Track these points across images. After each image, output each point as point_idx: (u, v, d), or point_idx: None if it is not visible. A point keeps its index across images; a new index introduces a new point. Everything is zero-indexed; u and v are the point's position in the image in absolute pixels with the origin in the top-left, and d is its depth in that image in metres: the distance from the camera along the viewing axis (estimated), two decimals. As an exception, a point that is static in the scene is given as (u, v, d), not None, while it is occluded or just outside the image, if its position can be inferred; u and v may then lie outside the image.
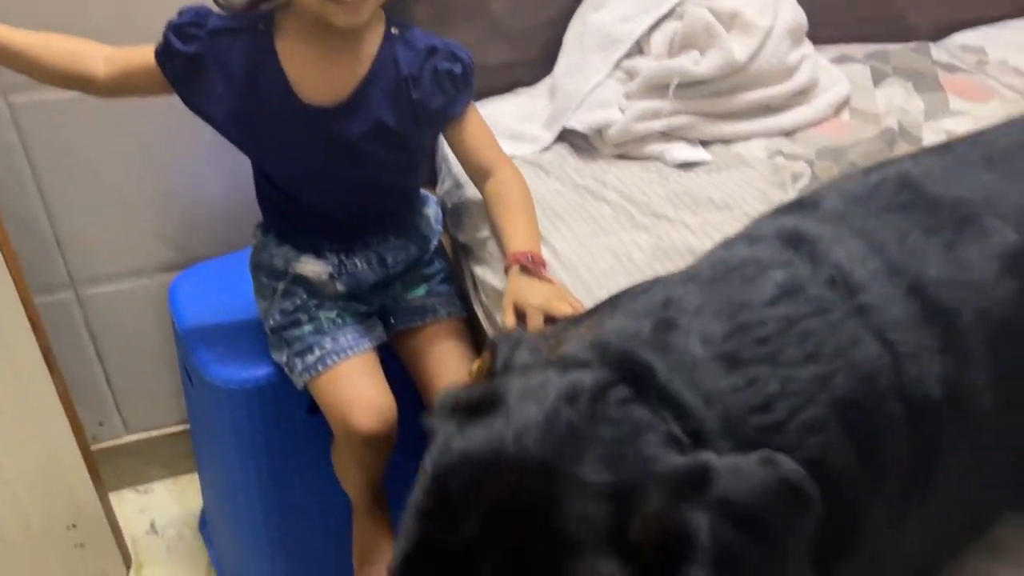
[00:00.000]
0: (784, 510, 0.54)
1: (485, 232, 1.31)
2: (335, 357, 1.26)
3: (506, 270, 1.18)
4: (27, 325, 1.42)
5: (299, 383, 1.28)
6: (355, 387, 1.25)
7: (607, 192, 1.37)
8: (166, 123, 1.53)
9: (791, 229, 0.75)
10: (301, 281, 1.29)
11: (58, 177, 1.54)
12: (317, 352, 1.26)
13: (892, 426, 0.66)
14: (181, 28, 1.18)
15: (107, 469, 1.72)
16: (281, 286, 1.30)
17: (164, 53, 1.19)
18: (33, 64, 1.17)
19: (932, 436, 0.68)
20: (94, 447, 1.72)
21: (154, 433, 1.84)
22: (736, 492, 0.53)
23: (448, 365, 1.31)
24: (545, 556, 0.54)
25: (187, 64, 1.19)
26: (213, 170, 1.59)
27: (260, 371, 1.35)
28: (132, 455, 1.84)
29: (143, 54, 1.20)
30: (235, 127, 1.22)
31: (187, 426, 1.78)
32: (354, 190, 1.25)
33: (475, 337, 1.35)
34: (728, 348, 0.65)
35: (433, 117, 1.24)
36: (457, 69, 1.22)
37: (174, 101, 1.51)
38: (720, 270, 0.73)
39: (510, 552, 0.55)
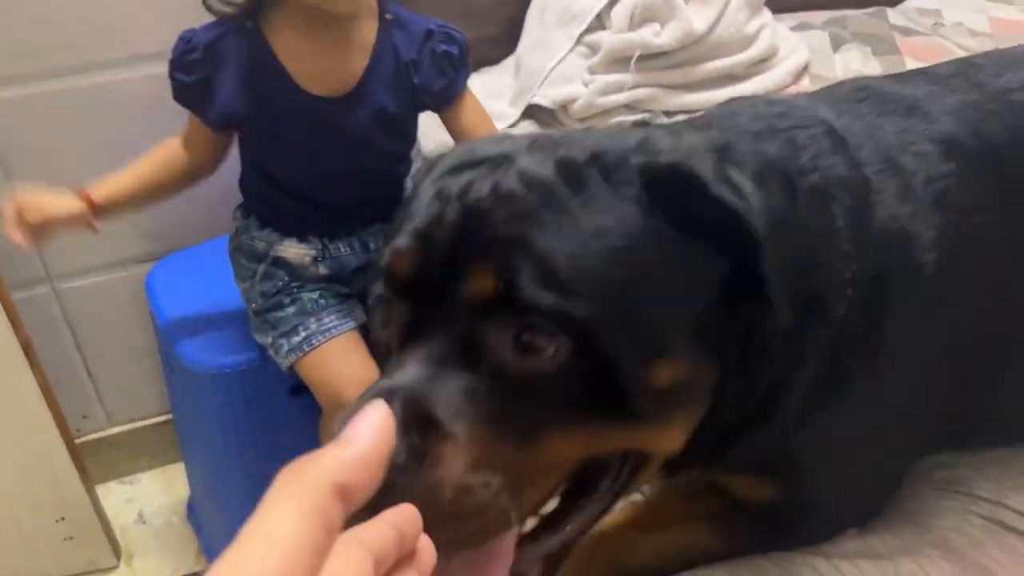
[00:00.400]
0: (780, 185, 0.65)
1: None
2: (320, 337, 1.27)
3: None
4: (6, 322, 1.43)
5: (284, 364, 1.30)
6: (344, 364, 1.27)
7: (574, 165, 1.40)
8: (134, 114, 1.54)
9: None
10: (282, 263, 1.30)
11: (29, 173, 1.54)
12: (302, 333, 1.28)
13: (854, 238, 0.71)
14: (180, 62, 1.18)
15: (93, 461, 1.73)
16: (261, 268, 1.31)
17: (179, 93, 1.20)
18: (155, 198, 1.28)
19: (886, 273, 0.72)
20: (79, 440, 1.73)
21: (138, 424, 1.86)
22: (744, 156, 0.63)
23: None
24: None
25: (199, 91, 1.19)
26: (184, 160, 1.60)
27: (240, 356, 1.37)
28: (117, 447, 1.85)
29: (190, 118, 1.23)
30: (252, 129, 1.22)
31: (170, 416, 1.79)
32: (351, 179, 1.26)
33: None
34: (718, 137, 0.70)
35: (434, 100, 1.24)
36: (454, 50, 1.23)
37: (139, 94, 1.52)
38: (713, 111, 0.80)
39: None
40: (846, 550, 0.82)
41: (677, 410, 0.64)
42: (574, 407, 0.59)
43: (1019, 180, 0.77)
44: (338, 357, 1.27)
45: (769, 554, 0.83)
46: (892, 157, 0.75)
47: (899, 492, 0.88)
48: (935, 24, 1.73)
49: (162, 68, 1.49)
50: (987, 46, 1.61)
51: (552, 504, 0.65)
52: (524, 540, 0.64)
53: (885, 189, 0.73)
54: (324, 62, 1.18)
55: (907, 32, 1.70)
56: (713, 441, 0.71)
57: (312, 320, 1.28)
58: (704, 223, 0.60)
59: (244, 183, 1.32)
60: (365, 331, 1.34)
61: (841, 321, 0.70)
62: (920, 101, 0.80)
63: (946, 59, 1.56)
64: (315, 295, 1.30)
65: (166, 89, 1.51)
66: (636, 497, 0.90)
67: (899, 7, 1.82)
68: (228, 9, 1.18)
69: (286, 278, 1.30)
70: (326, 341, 1.27)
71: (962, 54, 1.60)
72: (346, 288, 1.34)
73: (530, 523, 0.65)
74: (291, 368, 1.30)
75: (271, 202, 1.29)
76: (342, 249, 1.31)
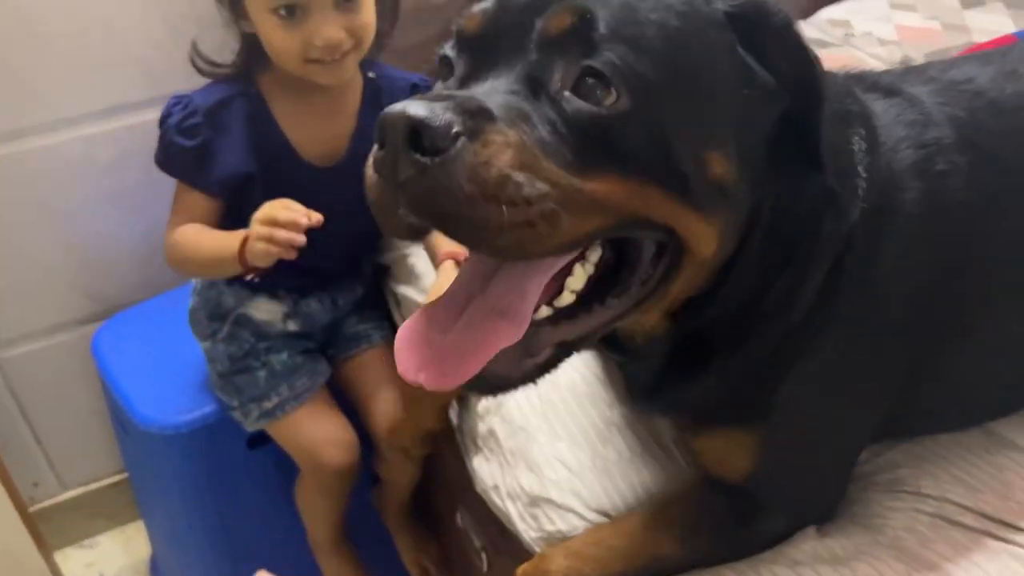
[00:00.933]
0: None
1: (404, 251, 1.35)
2: (294, 402, 1.28)
3: (437, 267, 1.22)
4: (-51, 396, 1.40)
5: (253, 426, 1.30)
6: (319, 427, 1.28)
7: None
8: (63, 177, 1.52)
9: None
10: (245, 322, 1.29)
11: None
12: (275, 398, 1.27)
13: (866, 165, 0.78)
14: (180, 127, 1.16)
15: (48, 528, 1.70)
16: (225, 329, 1.29)
17: (172, 159, 1.17)
18: None
19: (887, 210, 0.78)
20: (32, 508, 1.70)
21: (92, 486, 1.83)
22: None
23: (384, 390, 1.34)
24: None
25: (199, 155, 1.16)
26: (119, 219, 1.59)
27: (194, 413, 1.36)
28: (72, 511, 1.82)
29: (185, 198, 1.20)
30: (243, 195, 1.20)
31: (125, 474, 1.77)
32: (337, 242, 1.26)
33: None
34: None
35: None
36: None
37: (68, 158, 1.51)
38: None
39: None
40: (805, 553, 0.86)
41: (719, 208, 0.68)
42: (626, 159, 0.63)
43: (980, 153, 0.84)
44: (312, 420, 1.28)
45: (731, 564, 0.87)
46: (888, 121, 0.83)
47: (848, 497, 0.93)
48: (846, 34, 1.80)
49: (89, 129, 1.50)
50: (896, 54, 1.69)
51: (570, 299, 0.69)
52: (543, 323, 0.68)
53: (887, 141, 0.81)
54: (319, 129, 1.19)
55: (821, 44, 1.76)
56: (721, 322, 0.77)
57: (284, 385, 1.28)
58: (769, 64, 0.67)
59: None
60: (331, 384, 1.35)
61: (848, 238, 0.77)
62: (896, 85, 0.88)
63: (860, 68, 1.65)
64: (284, 356, 1.29)
65: (94, 150, 1.51)
66: (602, 520, 0.93)
67: (811, 19, 1.89)
68: (217, 71, 1.19)
69: (252, 339, 1.29)
70: (299, 406, 1.28)
71: (875, 63, 1.68)
72: (312, 343, 1.34)
73: (545, 311, 0.68)
74: (259, 428, 1.30)
75: None
76: (313, 306, 1.32)
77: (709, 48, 0.66)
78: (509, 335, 0.64)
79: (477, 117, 0.59)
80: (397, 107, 0.57)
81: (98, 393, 1.58)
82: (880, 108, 0.84)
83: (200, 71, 1.20)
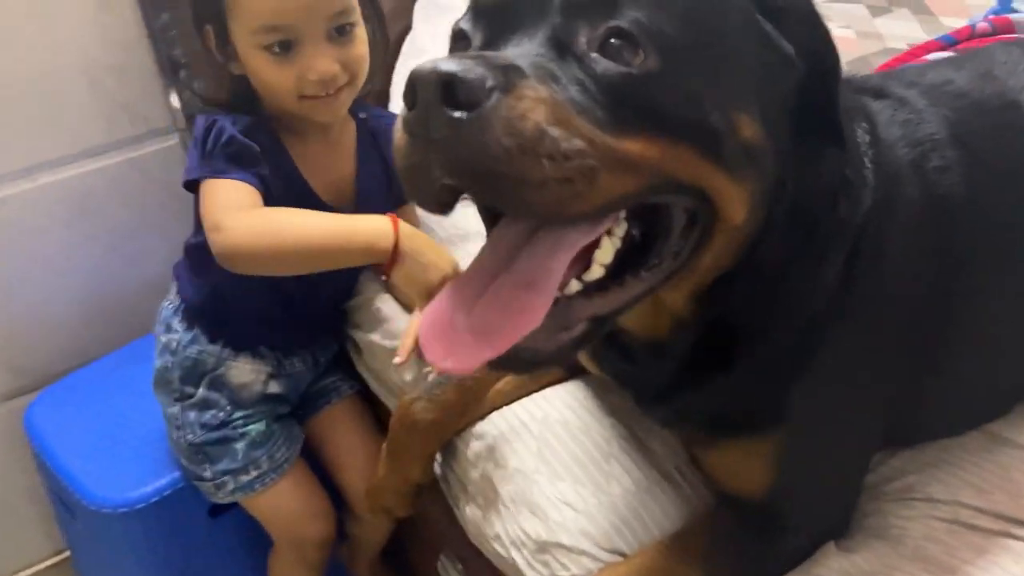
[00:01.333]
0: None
1: (366, 295, 1.29)
2: (273, 475, 1.22)
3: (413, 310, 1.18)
4: None
5: (226, 500, 1.23)
6: (298, 499, 1.23)
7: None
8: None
9: None
10: (220, 385, 1.22)
11: None
12: (253, 472, 1.21)
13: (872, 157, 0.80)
14: (212, 131, 1.08)
15: (-17, 625, 1.57)
16: (199, 393, 1.21)
17: (208, 154, 1.08)
18: None
19: (892, 203, 0.79)
20: (-37, 605, 1.57)
21: (27, 572, 1.70)
22: None
23: (357, 444, 1.30)
24: None
25: (241, 154, 1.08)
26: (45, 284, 1.49)
27: (148, 487, 1.27)
28: (7, 602, 1.69)
29: (233, 190, 1.07)
30: None
31: (64, 555, 1.65)
32: (340, 288, 1.22)
33: (370, 402, 1.34)
34: None
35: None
36: None
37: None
38: None
39: None
40: (832, 570, 0.84)
41: (749, 172, 0.68)
42: (659, 119, 0.63)
43: (970, 150, 0.85)
44: (293, 492, 1.23)
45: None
46: (883, 120, 0.83)
47: (860, 510, 0.92)
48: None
49: (7, 191, 1.40)
50: (821, 63, 1.73)
51: (599, 272, 0.68)
52: (576, 297, 0.67)
53: (887, 137, 0.82)
54: (322, 169, 1.15)
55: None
56: (741, 312, 0.77)
57: (263, 457, 1.21)
58: (786, 34, 0.69)
59: (199, 303, 1.22)
60: (306, 449, 1.29)
61: (861, 228, 0.77)
62: (884, 87, 0.89)
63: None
64: (262, 426, 1.22)
65: (14, 212, 1.42)
66: (617, 560, 0.90)
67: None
68: (215, 107, 1.14)
69: (228, 407, 1.22)
70: (279, 478, 1.22)
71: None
72: (287, 406, 1.28)
73: (576, 285, 0.67)
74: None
75: (229, 318, 1.20)
76: (297, 365, 1.26)
77: (730, 11, 0.67)
78: (536, 308, 0.63)
79: (509, 72, 0.58)
80: (427, 64, 0.56)
81: (29, 472, 1.48)
82: (874, 108, 0.85)
83: (202, 100, 1.17)
